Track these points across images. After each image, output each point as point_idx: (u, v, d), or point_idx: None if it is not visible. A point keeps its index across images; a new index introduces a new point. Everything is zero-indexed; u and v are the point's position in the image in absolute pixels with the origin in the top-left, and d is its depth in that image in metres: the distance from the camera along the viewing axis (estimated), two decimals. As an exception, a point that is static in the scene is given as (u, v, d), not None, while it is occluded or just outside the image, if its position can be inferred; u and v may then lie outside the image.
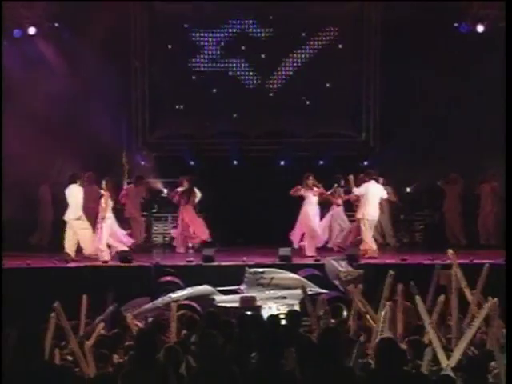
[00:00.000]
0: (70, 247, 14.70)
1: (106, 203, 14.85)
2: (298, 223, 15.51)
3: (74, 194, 14.85)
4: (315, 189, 15.46)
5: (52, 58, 17.06)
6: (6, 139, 15.47)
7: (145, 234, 17.00)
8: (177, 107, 18.93)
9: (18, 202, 15.57)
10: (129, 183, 16.88)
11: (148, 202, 17.44)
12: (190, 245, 16.33)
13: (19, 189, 15.67)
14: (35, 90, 16.34)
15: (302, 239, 15.53)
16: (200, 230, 16.30)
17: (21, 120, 15.92)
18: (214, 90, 18.80)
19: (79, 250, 14.85)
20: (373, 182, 15.07)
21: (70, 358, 7.47)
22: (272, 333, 6.54)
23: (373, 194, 14.96)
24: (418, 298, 7.26)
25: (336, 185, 16.21)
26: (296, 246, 15.45)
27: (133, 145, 18.63)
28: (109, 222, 14.89)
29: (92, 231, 14.90)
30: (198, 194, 17.13)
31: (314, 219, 15.48)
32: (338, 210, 16.37)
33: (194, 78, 18.90)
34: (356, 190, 15.06)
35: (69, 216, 14.80)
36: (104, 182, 15.06)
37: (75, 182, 14.89)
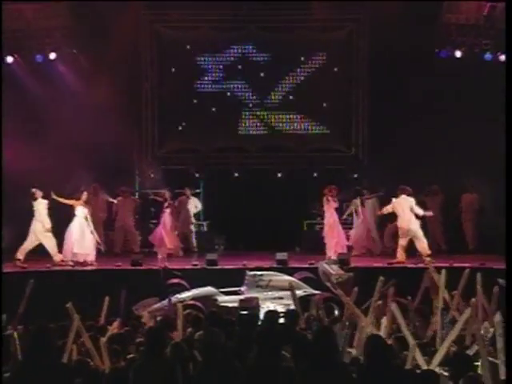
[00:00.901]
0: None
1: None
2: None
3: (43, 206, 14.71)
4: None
5: (70, 80, 17.09)
6: (27, 152, 15.43)
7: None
8: (183, 124, 18.89)
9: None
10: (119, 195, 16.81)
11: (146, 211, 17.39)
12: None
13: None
14: (55, 109, 16.38)
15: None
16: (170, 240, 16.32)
17: (41, 136, 15.93)
18: (217, 109, 18.76)
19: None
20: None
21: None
22: (270, 330, 6.51)
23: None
24: (393, 305, 7.18)
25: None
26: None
27: (143, 158, 18.63)
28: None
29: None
30: (198, 206, 17.16)
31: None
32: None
33: (198, 98, 18.87)
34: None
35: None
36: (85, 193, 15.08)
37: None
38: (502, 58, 16.91)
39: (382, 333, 7.40)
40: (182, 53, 18.78)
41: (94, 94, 16.88)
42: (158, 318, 9.86)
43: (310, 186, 17.75)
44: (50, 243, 14.72)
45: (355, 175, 18.29)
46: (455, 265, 13.07)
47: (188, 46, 18.75)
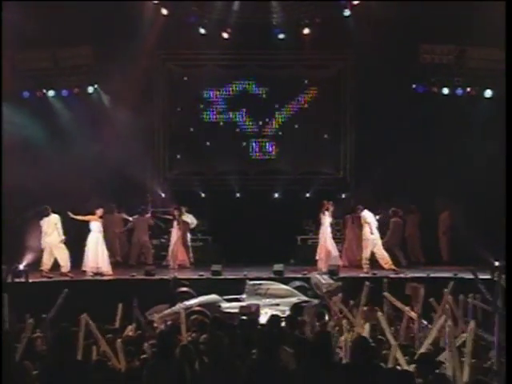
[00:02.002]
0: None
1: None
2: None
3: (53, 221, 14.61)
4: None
5: (92, 111, 17.13)
6: (55, 175, 15.45)
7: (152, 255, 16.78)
8: (190, 150, 18.88)
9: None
10: (136, 213, 16.81)
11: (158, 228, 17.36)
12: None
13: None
14: (79, 136, 16.42)
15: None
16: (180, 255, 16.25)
17: (66, 161, 15.96)
18: (220, 137, 18.75)
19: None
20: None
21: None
22: (268, 334, 6.49)
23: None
24: (380, 314, 7.16)
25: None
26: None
27: (155, 180, 18.62)
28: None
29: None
30: (194, 221, 17.10)
31: None
32: None
33: (204, 127, 18.88)
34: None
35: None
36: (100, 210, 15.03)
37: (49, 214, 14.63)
38: (473, 92, 17.08)
39: (367, 335, 7.39)
40: (190, 87, 18.82)
41: (112, 123, 16.97)
42: (168, 323, 9.85)
43: (303, 205, 17.80)
44: (62, 255, 14.65)
45: (343, 195, 18.27)
46: (432, 275, 13.07)
47: (195, 81, 18.77)
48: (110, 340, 7.58)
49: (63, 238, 14.65)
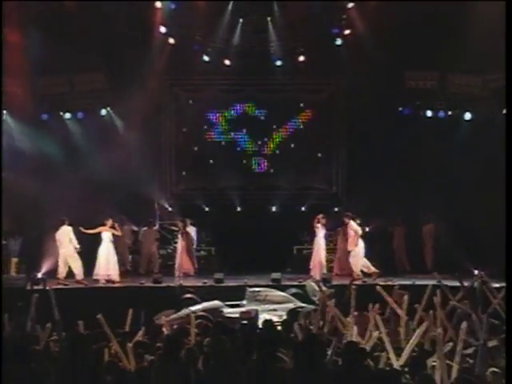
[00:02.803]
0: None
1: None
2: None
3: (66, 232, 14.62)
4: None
5: (104, 131, 17.16)
6: (70, 190, 15.44)
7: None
8: (195, 167, 18.88)
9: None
10: (145, 226, 16.79)
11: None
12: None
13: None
14: (92, 155, 16.44)
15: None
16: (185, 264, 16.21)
17: (80, 177, 15.97)
18: (222, 155, 18.73)
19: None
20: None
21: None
22: (267, 337, 6.48)
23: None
24: (377, 317, 7.11)
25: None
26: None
27: (162, 195, 18.60)
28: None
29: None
30: (194, 237, 16.97)
31: None
32: None
33: (207, 146, 18.90)
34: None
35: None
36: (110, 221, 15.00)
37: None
38: (453, 115, 17.15)
39: (357, 338, 7.36)
40: (194, 109, 18.84)
41: (123, 142, 16.99)
42: (175, 327, 9.80)
43: (299, 218, 17.75)
44: (76, 264, 14.61)
45: (336, 209, 18.23)
46: (417, 282, 13.03)
47: (199, 104, 18.82)
48: (120, 343, 7.53)
49: (77, 247, 14.62)
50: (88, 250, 15.01)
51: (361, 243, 15.21)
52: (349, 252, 15.35)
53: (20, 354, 5.99)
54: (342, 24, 17.19)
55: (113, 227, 15.06)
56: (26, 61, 15.64)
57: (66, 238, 14.55)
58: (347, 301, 8.53)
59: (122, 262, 15.77)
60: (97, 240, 15.00)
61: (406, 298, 8.35)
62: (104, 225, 14.99)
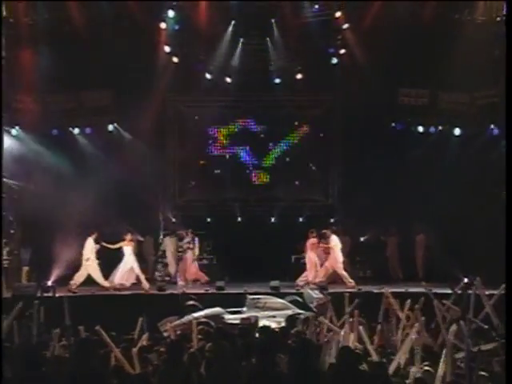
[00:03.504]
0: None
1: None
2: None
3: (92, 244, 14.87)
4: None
5: (112, 146, 17.22)
6: (78, 201, 15.47)
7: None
8: (197, 180, 18.90)
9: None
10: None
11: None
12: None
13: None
14: (100, 168, 16.47)
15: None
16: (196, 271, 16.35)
17: (88, 189, 15.99)
18: (223, 168, 18.80)
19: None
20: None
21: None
22: (266, 343, 6.48)
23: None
24: (360, 328, 7.09)
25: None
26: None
27: (167, 206, 18.62)
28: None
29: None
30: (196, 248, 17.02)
31: None
32: None
33: (208, 159, 18.97)
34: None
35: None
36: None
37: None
38: (444, 130, 17.22)
39: (352, 344, 7.37)
40: (196, 125, 18.88)
41: (130, 156, 17.03)
42: (178, 332, 9.79)
43: (297, 228, 17.76)
44: (97, 274, 14.77)
45: (332, 220, 18.25)
46: (409, 290, 13.02)
47: (203, 120, 18.85)
48: (126, 348, 7.53)
49: (94, 258, 14.80)
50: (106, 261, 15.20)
51: (341, 256, 15.28)
52: (332, 264, 15.40)
53: (30, 359, 5.99)
54: (338, 44, 17.30)
55: (132, 241, 15.35)
56: (37, 78, 15.72)
57: (90, 249, 14.74)
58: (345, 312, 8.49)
59: (148, 271, 16.08)
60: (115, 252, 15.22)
61: (398, 305, 8.35)
62: (124, 240, 15.17)
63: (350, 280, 15.09)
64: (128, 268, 15.07)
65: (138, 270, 15.13)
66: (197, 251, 16.79)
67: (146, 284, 14.90)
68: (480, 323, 7.59)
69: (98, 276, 14.80)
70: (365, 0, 16.40)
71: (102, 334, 6.91)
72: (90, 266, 14.70)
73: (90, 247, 14.80)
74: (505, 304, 6.62)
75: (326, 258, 15.81)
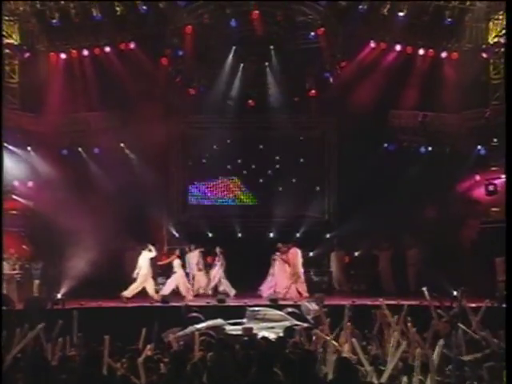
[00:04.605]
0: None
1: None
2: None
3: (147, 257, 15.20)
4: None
5: (119, 165, 17.29)
6: (85, 218, 15.49)
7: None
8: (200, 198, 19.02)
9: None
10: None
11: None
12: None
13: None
14: (107, 186, 16.54)
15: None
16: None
17: (95, 205, 16.05)
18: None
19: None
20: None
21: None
22: (265, 353, 6.47)
23: None
24: (354, 341, 7.09)
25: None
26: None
27: (170, 222, 18.64)
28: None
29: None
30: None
31: None
32: None
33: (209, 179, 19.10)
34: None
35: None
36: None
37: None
38: (433, 150, 17.33)
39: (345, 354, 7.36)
40: (199, 145, 18.97)
41: (135, 175, 17.12)
42: (181, 343, 9.78)
43: (293, 243, 17.75)
44: (150, 286, 15.02)
45: (328, 235, 18.28)
46: (401, 302, 12.98)
47: (204, 140, 18.90)
48: (131, 358, 7.52)
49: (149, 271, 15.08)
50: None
51: (300, 268, 15.53)
52: (292, 276, 15.56)
53: (40, 368, 6.01)
54: (334, 69, 17.45)
55: (179, 256, 15.89)
56: (48, 102, 15.89)
57: (146, 263, 15.01)
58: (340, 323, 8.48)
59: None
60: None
61: (390, 317, 8.33)
62: (173, 254, 15.83)
63: (306, 293, 15.30)
64: (179, 280, 15.52)
65: (186, 282, 15.67)
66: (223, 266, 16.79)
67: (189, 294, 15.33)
68: (471, 333, 7.60)
69: (151, 289, 15.05)
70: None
71: (109, 344, 6.93)
72: (145, 278, 14.93)
73: (144, 260, 15.05)
74: (505, 303, 6.62)
75: (286, 269, 15.88)
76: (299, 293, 15.42)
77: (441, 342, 6.14)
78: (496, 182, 16.24)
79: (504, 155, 15.99)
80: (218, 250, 16.56)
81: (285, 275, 15.70)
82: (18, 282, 14.95)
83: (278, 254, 16.02)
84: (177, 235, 18.32)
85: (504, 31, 15.95)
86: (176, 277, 15.58)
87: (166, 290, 15.36)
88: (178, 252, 15.99)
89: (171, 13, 16.55)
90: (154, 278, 15.49)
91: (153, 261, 15.30)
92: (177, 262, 15.75)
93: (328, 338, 7.51)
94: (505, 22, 11.55)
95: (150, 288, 15.03)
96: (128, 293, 14.64)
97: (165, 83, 17.32)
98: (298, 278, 15.64)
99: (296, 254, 15.69)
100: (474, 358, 6.78)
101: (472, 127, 16.86)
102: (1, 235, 13.12)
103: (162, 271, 16.80)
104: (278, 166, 18.99)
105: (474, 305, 8.68)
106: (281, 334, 10.97)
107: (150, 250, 15.12)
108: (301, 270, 15.76)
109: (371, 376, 6.22)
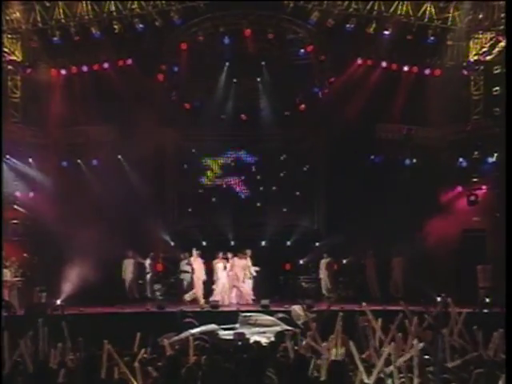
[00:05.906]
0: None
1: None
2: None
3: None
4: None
5: (116, 176, 17.23)
6: (83, 228, 15.42)
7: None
8: (193, 207, 18.93)
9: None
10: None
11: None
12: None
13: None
14: (105, 197, 16.50)
15: None
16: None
17: (94, 215, 16.02)
18: (217, 197, 18.87)
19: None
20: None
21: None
22: (257, 357, 6.48)
23: None
24: (351, 344, 7.10)
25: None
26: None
27: (165, 231, 18.58)
28: None
29: None
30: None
31: None
32: None
33: (203, 188, 19.03)
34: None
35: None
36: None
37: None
38: (418, 162, 17.44)
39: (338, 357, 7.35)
40: (192, 156, 18.96)
41: (132, 186, 17.08)
42: (176, 347, 9.75)
43: (285, 251, 17.81)
44: (199, 291, 15.57)
45: (317, 244, 18.29)
46: (387, 308, 13.04)
47: (199, 152, 18.98)
48: (128, 362, 7.49)
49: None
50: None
51: (240, 275, 15.85)
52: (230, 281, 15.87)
53: (41, 372, 6.00)
54: (323, 84, 17.56)
55: (226, 259, 16.15)
56: (49, 116, 15.90)
57: (200, 268, 15.58)
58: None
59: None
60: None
61: (374, 322, 8.33)
62: (216, 258, 16.07)
63: (249, 297, 15.73)
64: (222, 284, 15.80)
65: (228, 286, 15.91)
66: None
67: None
68: (456, 338, 7.60)
69: (199, 293, 15.48)
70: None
71: (108, 348, 6.91)
72: (199, 283, 15.51)
73: (200, 266, 15.69)
74: (505, 302, 6.65)
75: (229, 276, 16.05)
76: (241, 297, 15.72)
77: (421, 345, 6.15)
78: (477, 192, 16.37)
79: (484, 167, 16.29)
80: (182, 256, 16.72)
81: (227, 281, 15.99)
82: (19, 289, 14.89)
83: (216, 261, 16.28)
84: (172, 243, 18.25)
85: (485, 49, 16.17)
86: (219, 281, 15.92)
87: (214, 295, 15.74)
88: (221, 256, 16.17)
89: (167, 31, 16.63)
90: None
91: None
92: (218, 266, 16.00)
93: (318, 343, 7.51)
94: (504, 23, 11.52)
95: (199, 293, 15.58)
96: (188, 296, 15.48)
97: (161, 98, 17.34)
98: (237, 283, 15.88)
99: (238, 262, 16.07)
100: (457, 363, 6.79)
101: (454, 140, 17.02)
102: (1, 243, 13.09)
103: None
104: (268, 177, 18.98)
105: (456, 310, 8.69)
106: (272, 339, 10.97)
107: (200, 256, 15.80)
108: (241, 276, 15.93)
109: (363, 378, 6.23)
